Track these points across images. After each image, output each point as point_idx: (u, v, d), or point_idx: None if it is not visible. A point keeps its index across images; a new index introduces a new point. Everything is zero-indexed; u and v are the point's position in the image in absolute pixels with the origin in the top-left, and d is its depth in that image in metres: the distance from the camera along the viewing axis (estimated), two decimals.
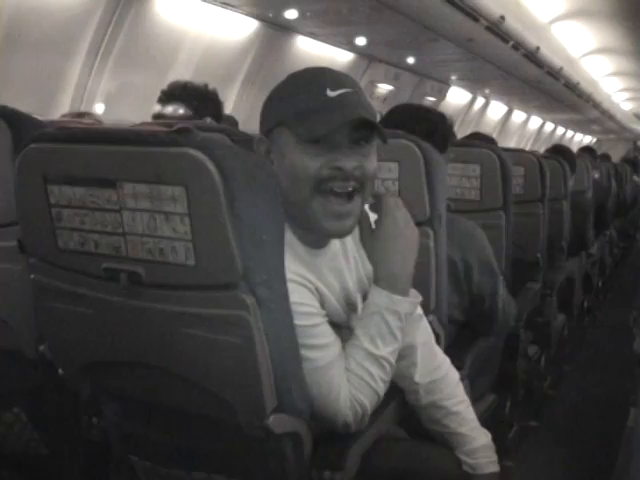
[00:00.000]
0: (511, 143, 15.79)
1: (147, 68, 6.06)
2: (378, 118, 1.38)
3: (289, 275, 1.17)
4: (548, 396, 3.59)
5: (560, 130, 21.15)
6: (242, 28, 7.07)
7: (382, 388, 1.30)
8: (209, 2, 6.34)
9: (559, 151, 3.93)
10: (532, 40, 8.94)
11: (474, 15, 7.05)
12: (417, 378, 1.44)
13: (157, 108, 2.27)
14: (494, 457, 1.47)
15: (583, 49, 11.99)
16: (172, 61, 6.38)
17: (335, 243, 1.33)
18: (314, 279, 1.27)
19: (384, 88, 10.05)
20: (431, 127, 1.97)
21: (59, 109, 5.36)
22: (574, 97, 13.25)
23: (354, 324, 1.32)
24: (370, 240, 1.34)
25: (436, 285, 1.77)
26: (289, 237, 1.24)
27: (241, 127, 2.92)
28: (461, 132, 6.19)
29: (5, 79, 4.94)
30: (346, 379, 1.26)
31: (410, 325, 1.35)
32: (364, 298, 1.34)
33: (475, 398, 1.66)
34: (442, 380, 1.47)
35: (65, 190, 1.16)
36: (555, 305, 3.39)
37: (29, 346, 1.61)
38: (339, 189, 1.23)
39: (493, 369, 2.32)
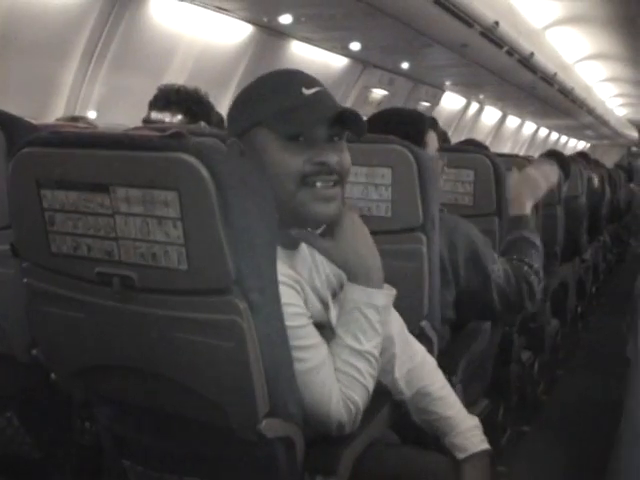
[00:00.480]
0: (505, 148, 15.82)
1: (142, 72, 6.06)
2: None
3: (278, 277, 1.18)
4: (541, 401, 3.60)
5: (554, 136, 21.23)
6: (237, 33, 7.08)
7: (371, 383, 1.31)
8: (203, 6, 6.35)
9: (553, 156, 3.93)
10: (526, 46, 8.98)
11: (468, 21, 7.08)
12: (397, 372, 1.45)
13: (150, 112, 2.25)
14: (484, 437, 1.47)
15: (577, 55, 12.05)
16: (167, 65, 6.39)
17: (302, 244, 1.35)
18: (299, 278, 1.29)
19: (378, 93, 10.08)
20: (403, 124, 1.98)
21: (54, 113, 5.35)
22: (568, 103, 13.29)
23: (334, 324, 1.33)
24: (331, 243, 1.33)
25: (429, 290, 1.77)
26: None
27: None
28: (455, 137, 6.19)
29: None
30: (336, 379, 1.27)
31: (386, 317, 1.36)
32: (333, 296, 1.37)
33: (468, 403, 1.66)
34: (421, 367, 1.49)
35: (58, 194, 1.16)
36: (549, 310, 3.40)
37: (22, 350, 1.60)
38: (323, 182, 1.26)
39: (486, 374, 2.32)
